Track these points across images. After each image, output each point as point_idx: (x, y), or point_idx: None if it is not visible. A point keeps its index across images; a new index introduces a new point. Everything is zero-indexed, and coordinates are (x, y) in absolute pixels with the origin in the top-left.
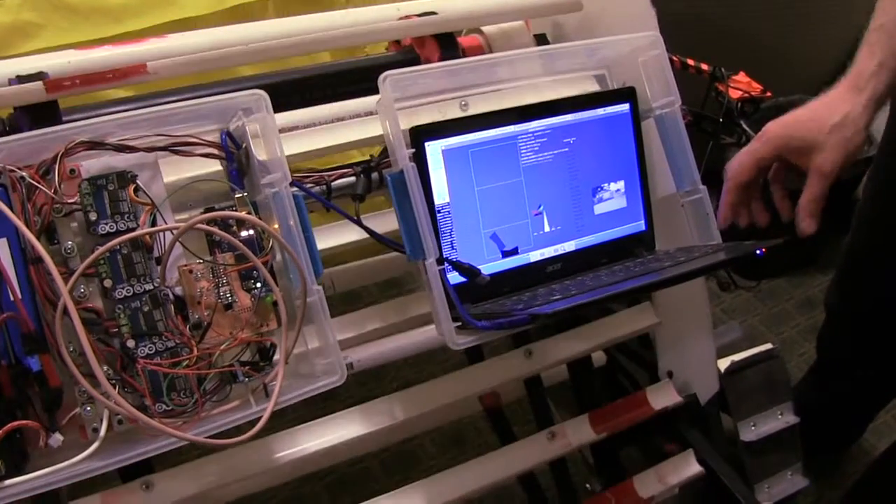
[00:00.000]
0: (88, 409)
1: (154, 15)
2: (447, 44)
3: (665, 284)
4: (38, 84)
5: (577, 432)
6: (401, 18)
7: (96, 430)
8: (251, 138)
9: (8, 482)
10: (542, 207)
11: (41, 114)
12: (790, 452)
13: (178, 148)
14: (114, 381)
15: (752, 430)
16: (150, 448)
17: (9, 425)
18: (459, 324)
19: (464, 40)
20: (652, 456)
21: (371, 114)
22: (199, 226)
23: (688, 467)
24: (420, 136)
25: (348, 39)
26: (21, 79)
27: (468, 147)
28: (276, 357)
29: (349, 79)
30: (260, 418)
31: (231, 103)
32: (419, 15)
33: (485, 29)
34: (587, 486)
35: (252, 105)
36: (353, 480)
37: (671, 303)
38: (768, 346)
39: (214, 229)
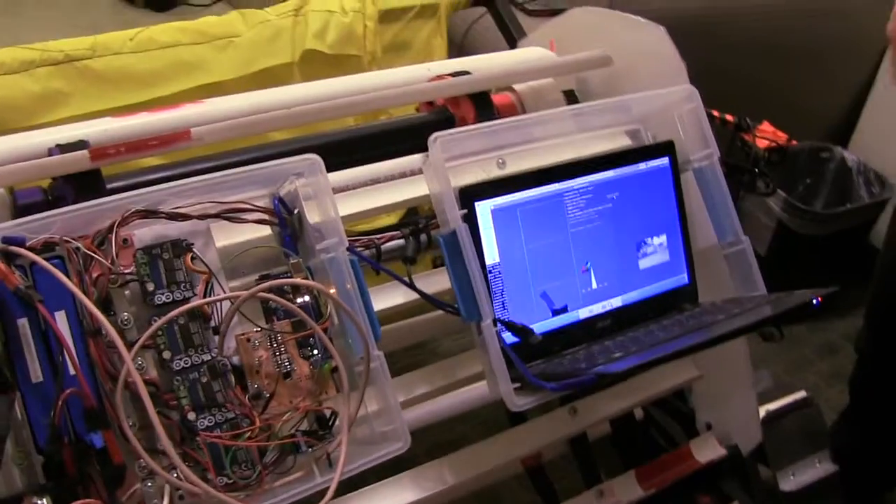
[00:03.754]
0: (149, 484)
1: (181, 81)
2: (482, 103)
3: (728, 338)
4: (83, 153)
5: (625, 490)
6: (432, 79)
7: None
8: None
9: None
10: (589, 264)
11: (85, 183)
12: (830, 501)
13: (230, 215)
14: (181, 454)
15: (792, 480)
16: None
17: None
18: (519, 385)
19: (496, 98)
20: None
21: (405, 175)
22: (261, 294)
23: None
24: (470, 196)
25: (389, 101)
26: (63, 148)
27: (517, 206)
28: (336, 424)
29: (386, 140)
30: (326, 489)
31: (283, 168)
32: (452, 75)
33: (516, 87)
34: None
35: (305, 169)
36: None
37: (711, 355)
38: (802, 393)
39: (277, 297)
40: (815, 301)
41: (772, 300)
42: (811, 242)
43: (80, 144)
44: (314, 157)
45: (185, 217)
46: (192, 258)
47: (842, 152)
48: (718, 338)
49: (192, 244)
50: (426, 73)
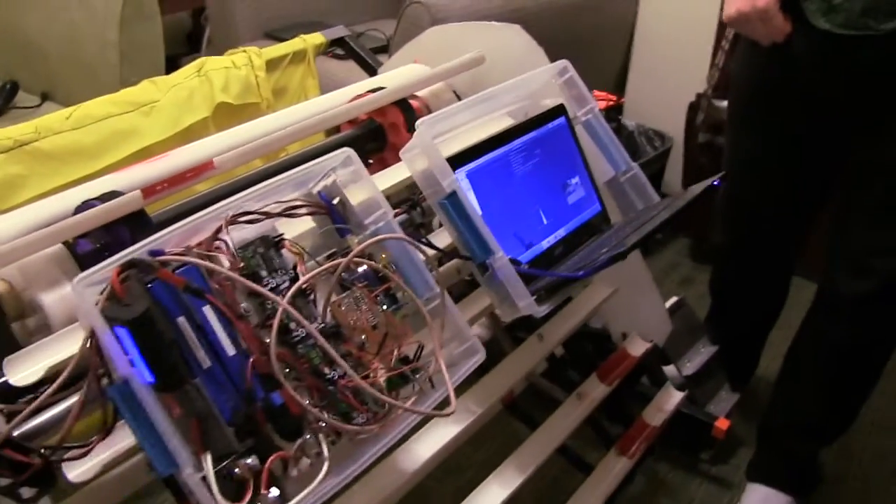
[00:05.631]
0: (308, 436)
1: (122, 147)
2: (406, 108)
3: (669, 223)
4: (136, 193)
5: (595, 389)
6: (352, 100)
7: (319, 454)
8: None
9: None
10: (536, 206)
11: (138, 221)
12: (719, 375)
13: (291, 212)
14: (320, 407)
15: (689, 366)
16: (371, 453)
17: (275, 455)
18: (535, 297)
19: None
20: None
21: None
22: (356, 259)
23: (674, 395)
24: (452, 164)
25: (349, 114)
26: (102, 198)
27: (483, 168)
28: (423, 355)
29: None
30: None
31: (323, 165)
32: (371, 91)
33: (419, 93)
34: None
35: (340, 163)
36: None
37: (617, 270)
38: (675, 298)
39: (368, 262)
40: (716, 182)
41: (673, 200)
42: None
43: (114, 194)
44: (349, 150)
45: (269, 215)
46: (292, 245)
47: (622, 120)
48: (661, 225)
49: (281, 235)
50: (346, 96)
